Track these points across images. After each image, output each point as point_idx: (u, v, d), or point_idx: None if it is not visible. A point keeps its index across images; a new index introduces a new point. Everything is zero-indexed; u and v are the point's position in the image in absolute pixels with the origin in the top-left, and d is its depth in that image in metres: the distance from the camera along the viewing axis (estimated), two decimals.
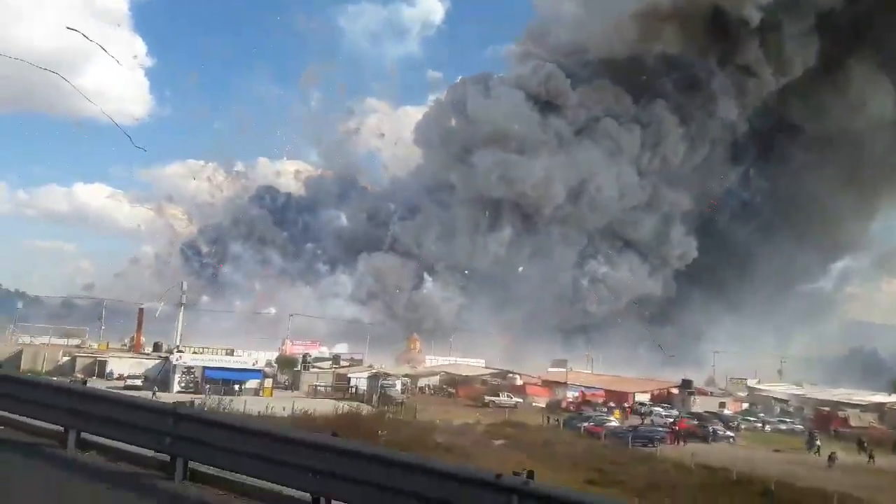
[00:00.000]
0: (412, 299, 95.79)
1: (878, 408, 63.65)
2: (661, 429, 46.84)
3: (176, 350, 58.71)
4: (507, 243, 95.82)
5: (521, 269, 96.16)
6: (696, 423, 52.17)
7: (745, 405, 68.14)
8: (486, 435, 42.98)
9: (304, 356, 67.52)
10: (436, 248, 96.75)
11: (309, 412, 42.05)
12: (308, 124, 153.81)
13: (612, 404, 60.94)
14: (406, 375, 69.15)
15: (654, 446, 42.20)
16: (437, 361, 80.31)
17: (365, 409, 51.65)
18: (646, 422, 53.44)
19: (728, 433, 49.80)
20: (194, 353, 60.01)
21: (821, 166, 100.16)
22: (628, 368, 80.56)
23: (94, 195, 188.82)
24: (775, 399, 69.66)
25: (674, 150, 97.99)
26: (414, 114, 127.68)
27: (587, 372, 79.06)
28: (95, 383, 43.89)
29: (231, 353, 63.92)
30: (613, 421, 49.79)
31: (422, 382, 70.09)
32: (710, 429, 49.52)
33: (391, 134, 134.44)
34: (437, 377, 70.83)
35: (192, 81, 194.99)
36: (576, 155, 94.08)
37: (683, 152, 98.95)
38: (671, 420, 53.20)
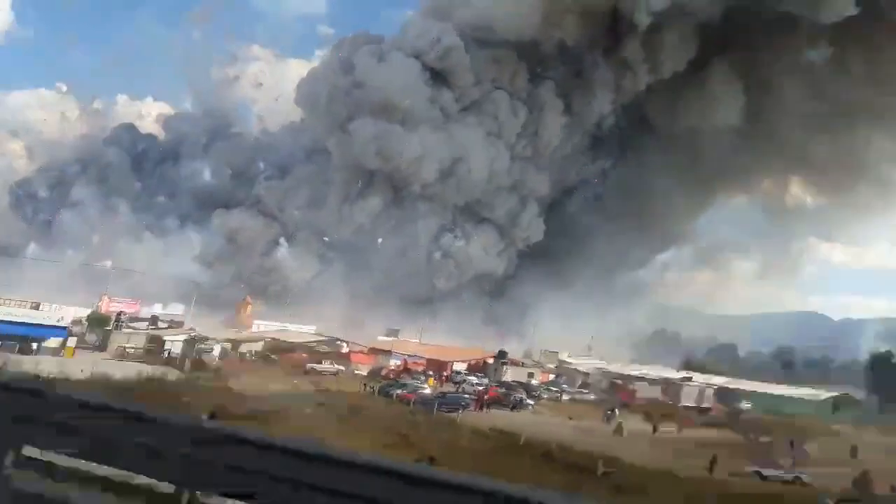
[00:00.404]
0: (264, 264, 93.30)
1: (665, 382, 71.44)
2: (466, 396, 49.71)
3: None
4: (374, 214, 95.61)
5: (380, 240, 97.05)
6: (502, 391, 55.79)
7: (552, 376, 73.69)
8: (296, 402, 43.45)
9: (118, 314, 63.80)
10: (300, 213, 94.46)
11: (109, 375, 40.29)
12: (184, 66, 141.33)
13: (430, 373, 63.59)
14: (228, 340, 67.66)
15: (458, 413, 44.77)
16: (267, 327, 79.22)
17: (176, 374, 50.33)
18: (458, 390, 56.71)
19: (528, 401, 53.73)
20: None
21: (667, 164, 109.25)
22: (462, 339, 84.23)
23: None
24: (579, 371, 75.87)
25: (551, 136, 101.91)
26: (298, 68, 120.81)
27: (415, 341, 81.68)
28: None
29: (36, 306, 59.16)
30: (426, 388, 52.01)
31: (244, 348, 68.87)
32: (514, 397, 53.19)
33: (274, 87, 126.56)
34: (261, 343, 69.80)
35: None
36: (456, 133, 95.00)
37: (559, 140, 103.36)
38: (481, 388, 56.47)
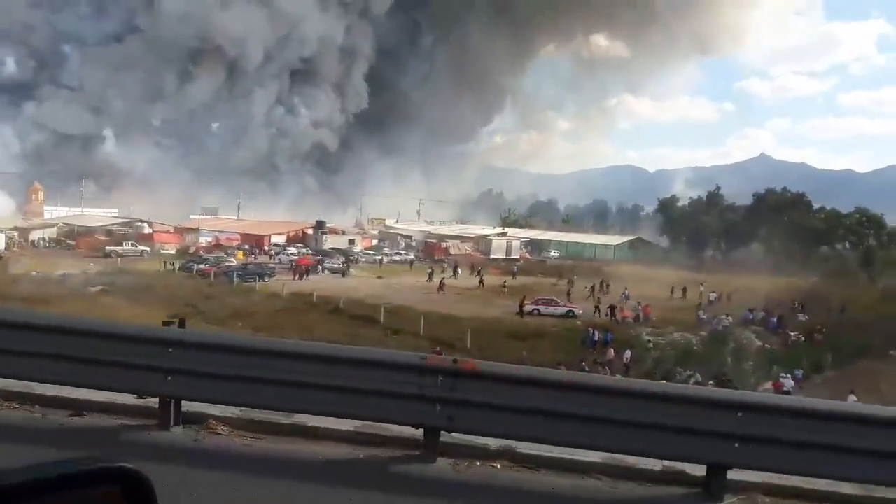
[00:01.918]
0: (92, 157, 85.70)
1: (479, 239, 76.25)
2: (271, 266, 50.62)
3: None
4: (209, 93, 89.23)
5: (215, 125, 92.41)
6: (316, 259, 57.14)
7: (375, 242, 76.09)
8: (83, 284, 42.18)
9: None
10: (125, 102, 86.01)
11: None
12: None
13: (246, 247, 63.44)
14: (15, 228, 62.99)
15: (262, 281, 45.70)
16: (61, 213, 74.32)
17: None
18: (275, 260, 57.68)
19: (340, 265, 55.59)
20: None
21: (485, 18, 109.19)
22: (295, 213, 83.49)
23: None
24: (401, 236, 78.81)
25: None
26: None
27: (233, 218, 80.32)
28: None
29: None
30: (232, 262, 52.12)
31: (36, 235, 64.58)
32: (325, 262, 54.76)
33: None
34: (55, 230, 65.64)
35: None
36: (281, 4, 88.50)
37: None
38: (295, 257, 57.45)
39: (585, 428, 4.90)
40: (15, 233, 61.94)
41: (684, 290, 49.59)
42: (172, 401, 5.36)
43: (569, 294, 46.04)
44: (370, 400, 5.13)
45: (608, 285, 51.15)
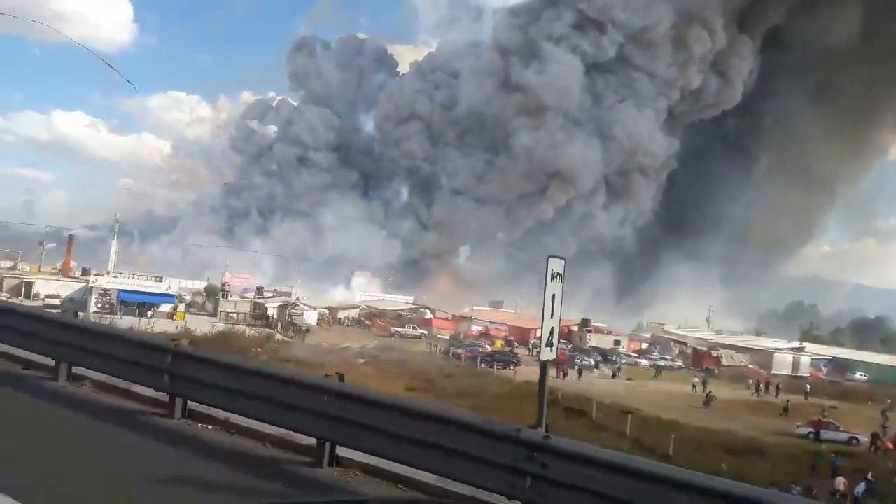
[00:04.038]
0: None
1: (760, 351, 70.34)
2: (517, 355, 53.64)
3: (94, 274, 64.61)
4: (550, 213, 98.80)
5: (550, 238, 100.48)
6: (567, 354, 58.73)
7: (645, 345, 74.85)
8: (355, 356, 49.52)
9: (223, 285, 73.62)
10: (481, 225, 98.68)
11: (192, 330, 48.54)
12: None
13: (511, 338, 67.69)
14: (327, 308, 75.58)
15: (508, 369, 48.95)
16: (367, 297, 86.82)
17: (271, 334, 58.53)
18: (534, 352, 60.96)
19: (591, 363, 56.44)
20: (120, 277, 66.35)
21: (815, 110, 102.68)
22: (584, 312, 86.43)
23: (73, 124, 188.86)
24: (674, 341, 76.26)
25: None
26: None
27: (511, 311, 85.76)
28: (23, 302, 49.95)
29: (160, 279, 69.97)
30: (487, 349, 56.36)
31: (343, 314, 76.59)
32: (575, 360, 56.09)
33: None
34: (357, 311, 77.17)
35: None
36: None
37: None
38: None
39: None
40: (327, 311, 74.30)
41: None
42: (327, 443, 6.45)
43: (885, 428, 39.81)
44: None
45: None
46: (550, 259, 7.03)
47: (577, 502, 5.12)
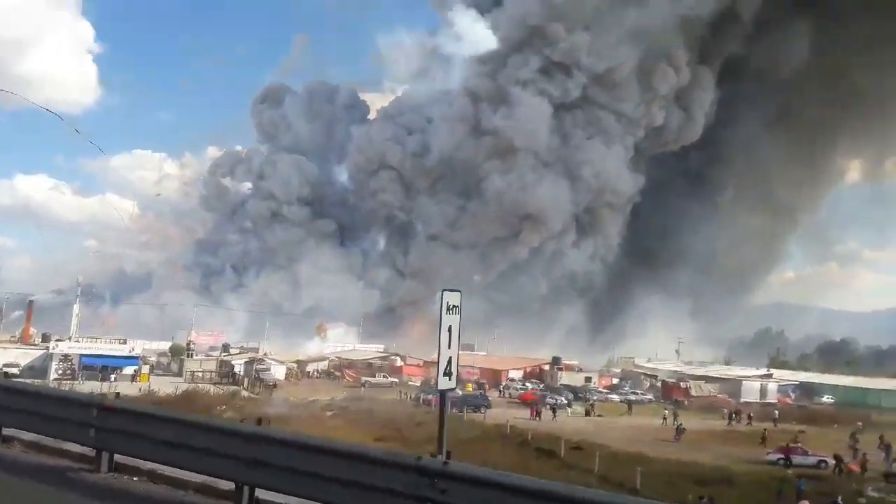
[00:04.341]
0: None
1: (727, 380, 71.07)
2: (487, 398, 53.56)
3: (55, 340, 63.28)
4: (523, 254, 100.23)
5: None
6: (538, 393, 58.87)
7: (616, 380, 75.19)
8: (323, 409, 48.98)
9: (188, 344, 72.59)
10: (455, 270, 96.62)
11: (156, 391, 47.77)
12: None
13: (483, 381, 67.56)
14: (295, 361, 74.79)
15: (479, 412, 48.77)
16: (338, 348, 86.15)
17: (237, 391, 57.66)
18: (506, 394, 61.40)
19: (563, 402, 56.50)
20: (83, 341, 65.10)
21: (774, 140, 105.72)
22: (557, 349, 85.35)
23: (36, 187, 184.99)
24: (645, 375, 76.74)
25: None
26: None
27: (482, 354, 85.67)
28: None
29: (124, 342, 68.69)
30: (459, 393, 56.02)
31: (311, 367, 75.83)
32: (546, 399, 56.17)
33: None
34: (326, 362, 76.51)
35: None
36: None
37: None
38: (521, 391, 59.96)
39: None
40: (295, 365, 73.51)
41: None
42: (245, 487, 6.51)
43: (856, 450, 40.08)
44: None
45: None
46: (445, 292, 7.32)
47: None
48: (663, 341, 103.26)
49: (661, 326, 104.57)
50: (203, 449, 6.75)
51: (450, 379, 7.42)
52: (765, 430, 46.52)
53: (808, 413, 60.82)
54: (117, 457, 7.65)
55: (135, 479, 7.48)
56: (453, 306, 7.30)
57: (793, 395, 71.57)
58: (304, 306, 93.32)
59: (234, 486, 6.57)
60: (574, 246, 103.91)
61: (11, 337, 72.45)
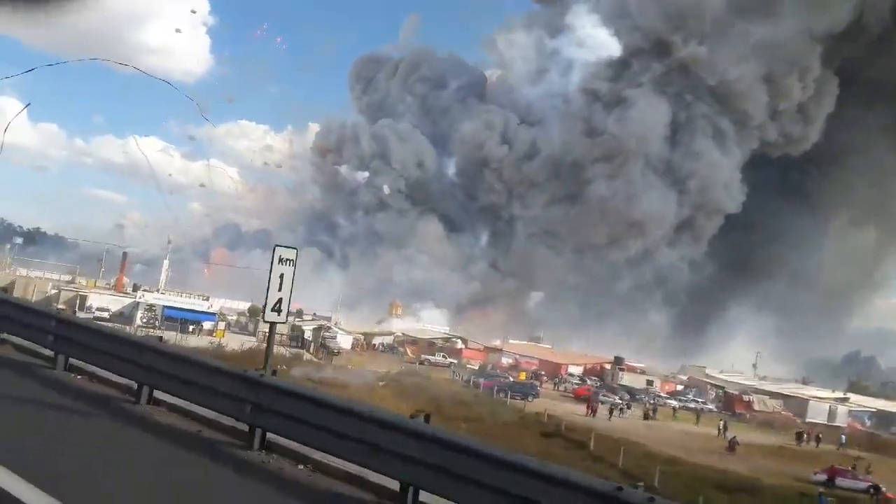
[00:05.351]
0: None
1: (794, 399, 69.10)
2: (536, 387, 54.80)
3: (142, 290, 68.86)
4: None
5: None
6: (592, 390, 59.53)
7: (680, 387, 74.58)
8: (378, 379, 51.53)
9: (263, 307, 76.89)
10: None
11: (224, 346, 51.73)
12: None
13: (541, 372, 68.72)
14: (362, 333, 78.07)
15: (526, 400, 50.19)
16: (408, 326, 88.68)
17: (301, 354, 61.41)
18: (560, 388, 62.53)
19: (618, 401, 56.96)
20: (169, 294, 70.66)
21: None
22: (629, 351, 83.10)
23: (147, 148, 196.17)
24: (712, 385, 75.65)
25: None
26: None
27: (547, 347, 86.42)
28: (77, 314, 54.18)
29: (206, 298, 73.89)
30: (510, 380, 57.67)
31: (378, 340, 78.97)
32: (600, 396, 56.74)
33: None
34: (392, 337, 79.50)
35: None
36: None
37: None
38: (576, 386, 60.95)
39: None
40: (361, 336, 76.74)
41: None
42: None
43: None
44: None
45: None
46: (278, 247, 8.92)
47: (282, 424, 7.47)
48: (743, 354, 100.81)
49: (744, 339, 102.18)
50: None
51: (278, 315, 8.95)
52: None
53: (879, 441, 58.63)
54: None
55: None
56: (287, 259, 8.74)
57: (868, 423, 68.95)
58: (403, 290, 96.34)
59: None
60: (669, 246, 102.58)
61: (107, 284, 79.04)
